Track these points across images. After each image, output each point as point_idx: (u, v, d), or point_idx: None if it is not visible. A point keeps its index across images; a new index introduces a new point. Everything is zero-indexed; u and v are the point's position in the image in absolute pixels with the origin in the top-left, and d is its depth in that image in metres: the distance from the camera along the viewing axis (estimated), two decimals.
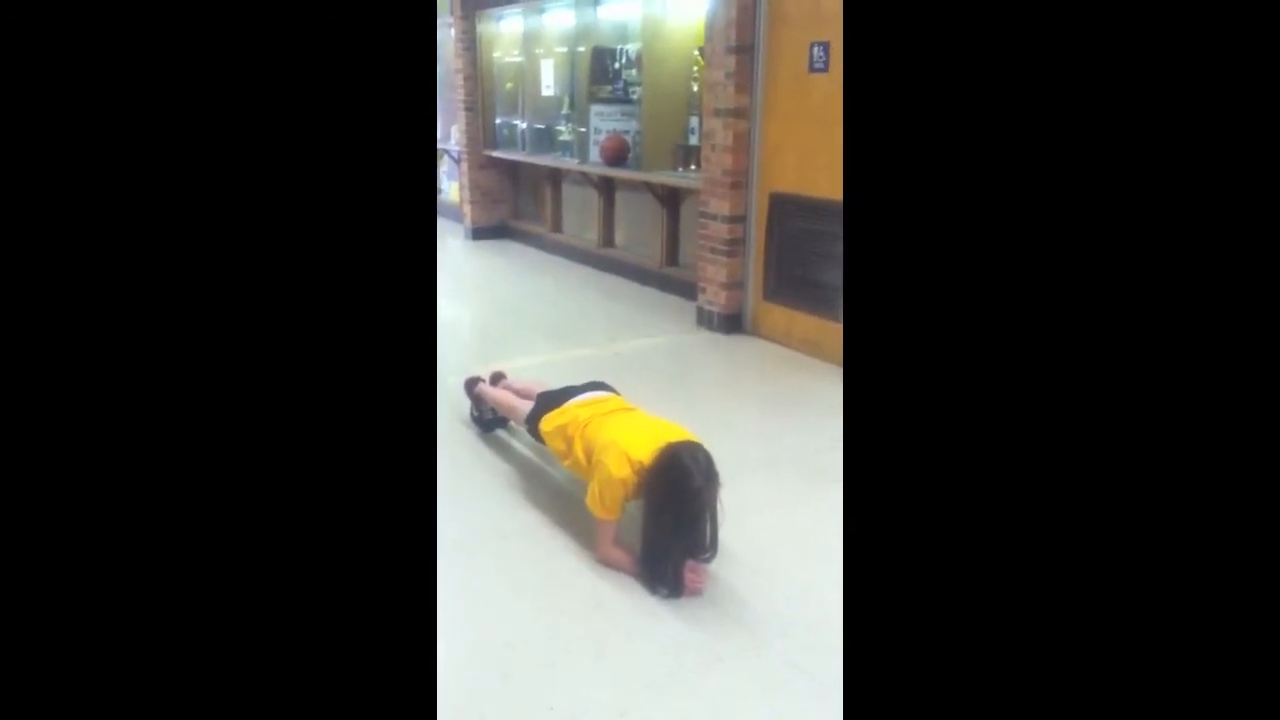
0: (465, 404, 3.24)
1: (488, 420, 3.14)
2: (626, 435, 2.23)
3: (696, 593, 2.12)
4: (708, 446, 2.19)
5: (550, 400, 2.62)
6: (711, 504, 2.10)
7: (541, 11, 6.39)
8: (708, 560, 2.17)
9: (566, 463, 2.48)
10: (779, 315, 4.30)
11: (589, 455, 2.32)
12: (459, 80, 7.12)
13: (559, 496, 2.66)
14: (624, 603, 2.12)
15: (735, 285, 4.46)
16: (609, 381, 2.75)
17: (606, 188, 6.01)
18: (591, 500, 2.24)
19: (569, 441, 2.42)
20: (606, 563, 2.25)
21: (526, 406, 2.73)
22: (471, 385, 3.17)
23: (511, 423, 3.15)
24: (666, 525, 2.10)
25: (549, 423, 2.53)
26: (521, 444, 3.09)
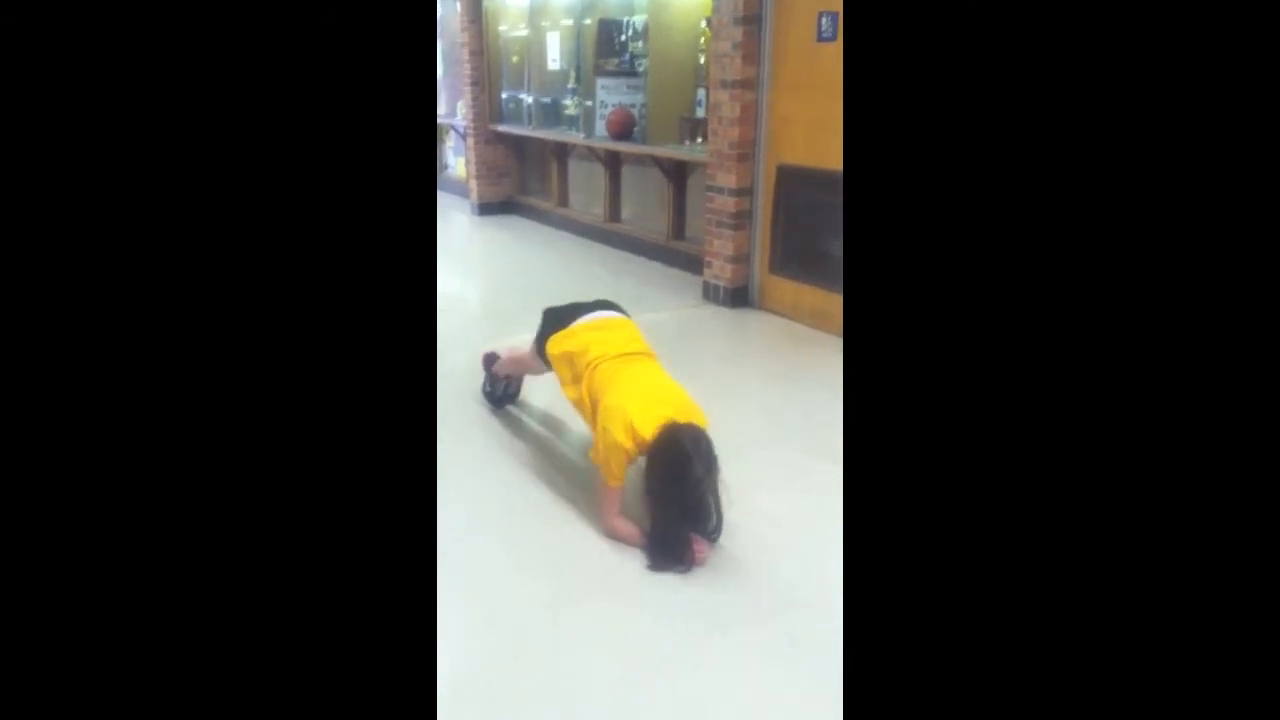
0: (473, 381, 3.25)
1: (499, 396, 3.16)
2: (634, 402, 2.22)
3: (700, 563, 2.14)
4: (713, 420, 2.20)
5: (557, 318, 2.60)
6: (714, 488, 2.13)
7: None
8: (714, 539, 2.19)
9: (570, 393, 2.47)
10: (786, 288, 4.29)
11: (594, 404, 2.32)
12: (465, 55, 7.07)
13: (568, 472, 2.68)
14: (629, 576, 2.14)
15: (742, 259, 4.45)
16: None
17: (612, 162, 5.98)
18: (595, 455, 2.27)
19: (576, 377, 2.42)
20: (613, 535, 2.27)
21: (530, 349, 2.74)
22: (490, 361, 3.16)
23: (522, 399, 3.17)
24: (672, 511, 2.13)
25: (556, 345, 2.52)
26: (532, 420, 3.11)
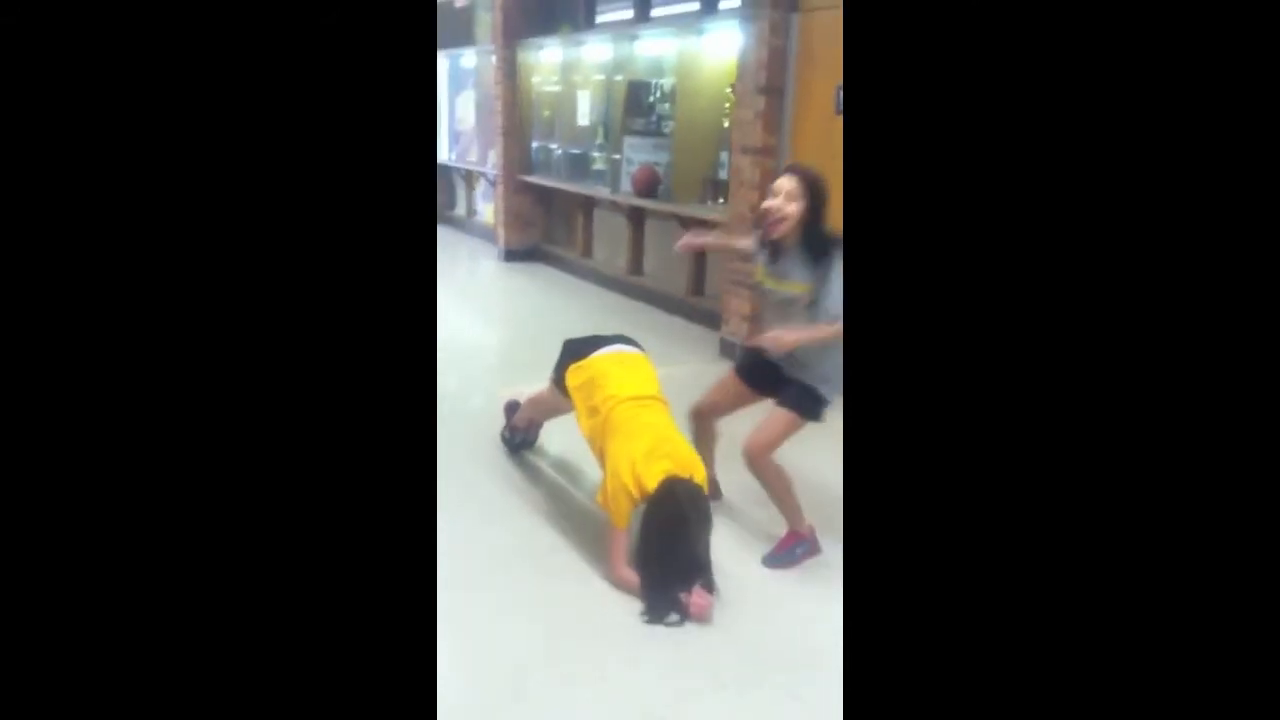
0: (492, 425, 3.36)
1: (516, 443, 3.26)
2: (640, 449, 2.32)
3: (704, 620, 2.21)
4: (721, 476, 2.28)
5: (576, 349, 2.70)
6: (706, 545, 2.24)
7: (580, 44, 6.58)
8: (708, 589, 2.26)
9: (585, 425, 2.56)
10: None
11: (604, 446, 2.42)
12: (498, 106, 7.32)
13: (579, 519, 2.76)
14: (633, 628, 2.20)
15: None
16: None
17: (636, 217, 6.15)
18: (601, 497, 2.37)
19: (593, 410, 2.51)
20: (618, 584, 2.35)
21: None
22: (511, 410, 3.27)
23: (539, 444, 3.27)
24: (661, 556, 2.23)
25: (575, 376, 2.61)
26: (547, 465, 3.20)
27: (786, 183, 2.35)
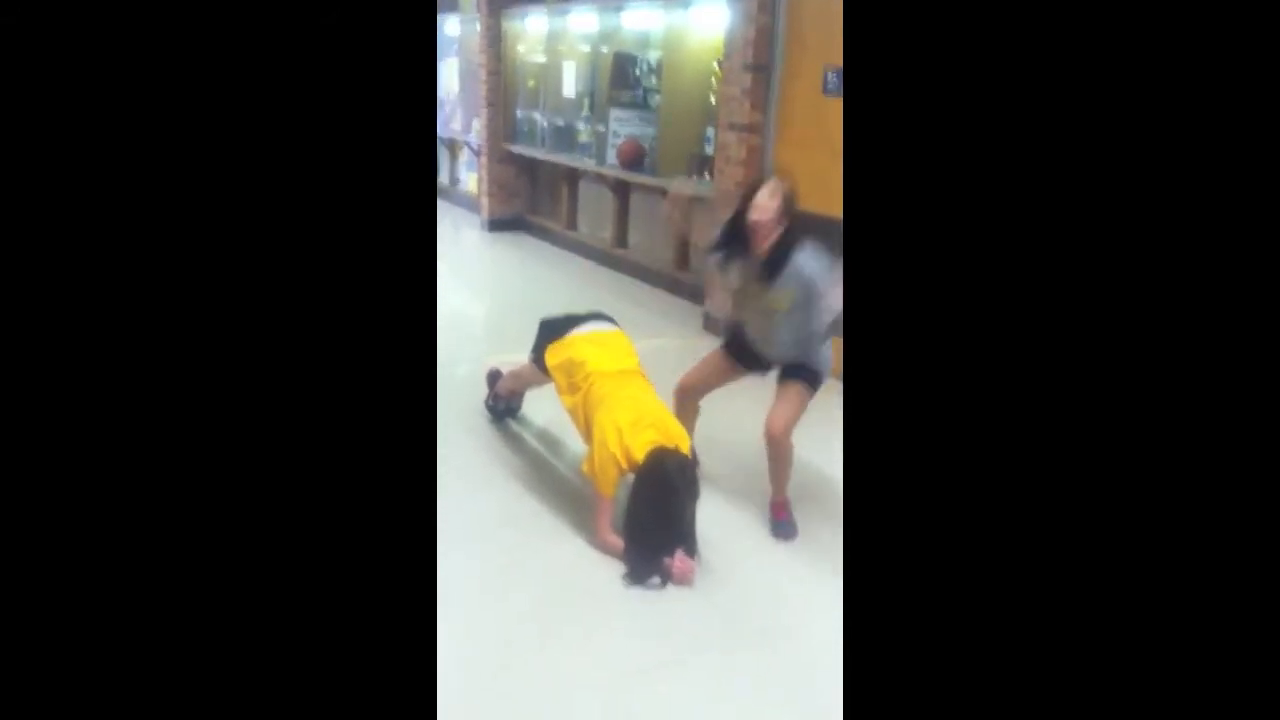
0: (476, 394, 3.40)
1: (500, 411, 3.32)
2: (626, 419, 2.39)
3: (686, 584, 2.28)
4: (704, 447, 2.35)
5: (553, 329, 2.76)
6: (690, 510, 2.32)
7: (565, 13, 6.54)
8: (689, 554, 2.35)
9: (567, 401, 2.62)
10: None
11: (588, 417, 2.48)
12: (483, 75, 7.27)
13: (561, 487, 2.83)
14: (618, 591, 2.28)
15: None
16: None
17: (622, 190, 6.17)
18: (587, 467, 2.44)
19: (574, 387, 2.57)
20: (603, 549, 2.42)
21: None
22: (494, 378, 3.32)
23: (521, 413, 3.33)
24: (650, 526, 2.31)
25: (554, 355, 2.67)
26: (530, 435, 3.27)
27: (768, 199, 2.40)
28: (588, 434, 2.50)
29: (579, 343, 2.67)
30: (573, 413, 2.62)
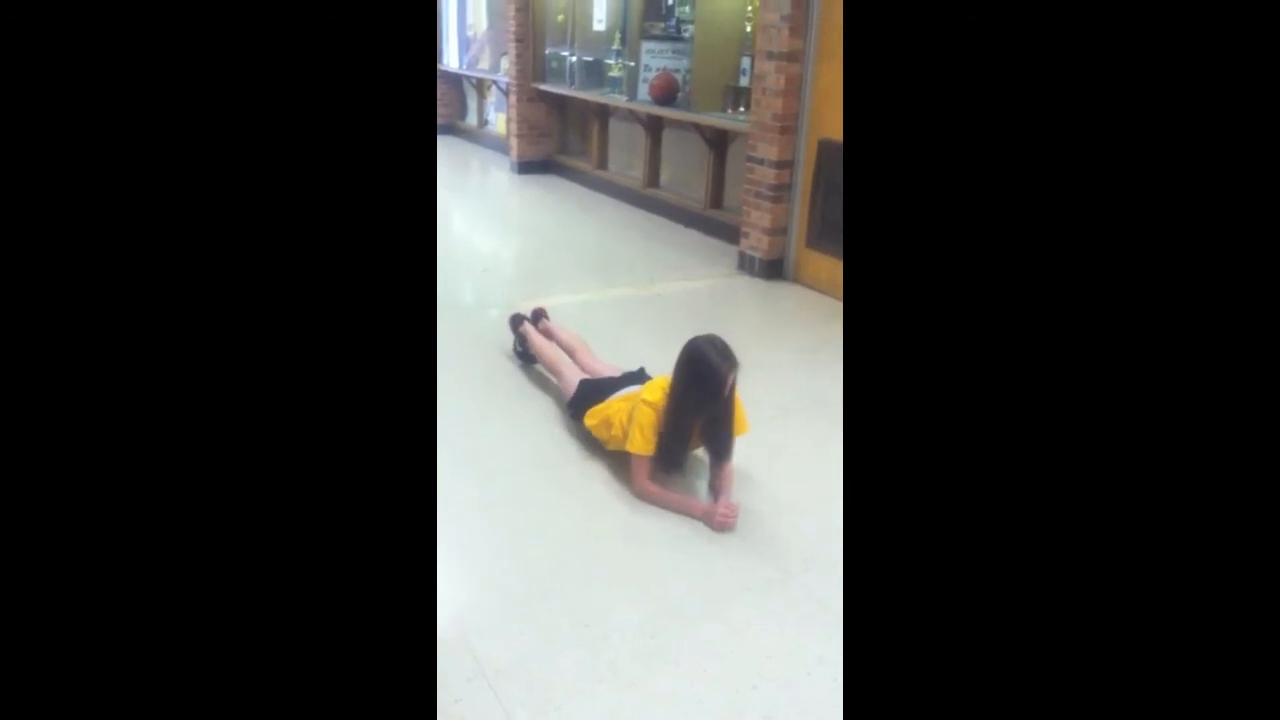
0: (507, 336, 3.33)
1: (529, 354, 3.24)
2: (648, 392, 2.40)
3: (728, 527, 2.22)
4: (742, 390, 2.27)
5: (593, 391, 2.70)
6: (730, 381, 2.27)
7: None
8: (723, 460, 2.34)
9: (611, 445, 2.57)
10: (822, 263, 4.31)
11: (625, 431, 2.43)
12: (510, 11, 7.07)
13: (586, 434, 2.76)
14: (657, 533, 2.23)
15: (779, 231, 4.47)
16: (648, 322, 2.82)
17: (654, 126, 5.99)
18: (631, 444, 2.37)
19: (610, 428, 2.54)
20: (643, 497, 2.36)
21: (568, 373, 2.86)
22: (516, 322, 3.27)
23: None
24: (689, 402, 2.29)
25: (593, 417, 2.63)
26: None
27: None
28: (624, 436, 2.43)
29: (616, 403, 2.60)
30: (617, 446, 2.54)
